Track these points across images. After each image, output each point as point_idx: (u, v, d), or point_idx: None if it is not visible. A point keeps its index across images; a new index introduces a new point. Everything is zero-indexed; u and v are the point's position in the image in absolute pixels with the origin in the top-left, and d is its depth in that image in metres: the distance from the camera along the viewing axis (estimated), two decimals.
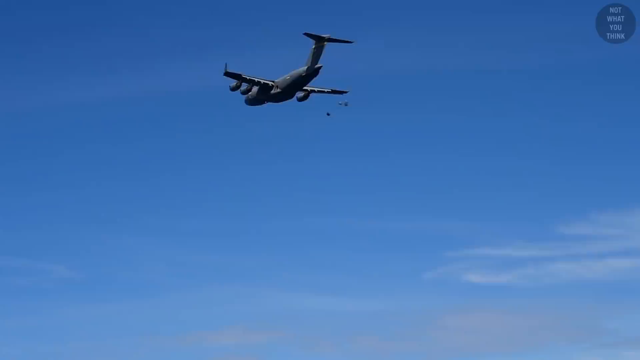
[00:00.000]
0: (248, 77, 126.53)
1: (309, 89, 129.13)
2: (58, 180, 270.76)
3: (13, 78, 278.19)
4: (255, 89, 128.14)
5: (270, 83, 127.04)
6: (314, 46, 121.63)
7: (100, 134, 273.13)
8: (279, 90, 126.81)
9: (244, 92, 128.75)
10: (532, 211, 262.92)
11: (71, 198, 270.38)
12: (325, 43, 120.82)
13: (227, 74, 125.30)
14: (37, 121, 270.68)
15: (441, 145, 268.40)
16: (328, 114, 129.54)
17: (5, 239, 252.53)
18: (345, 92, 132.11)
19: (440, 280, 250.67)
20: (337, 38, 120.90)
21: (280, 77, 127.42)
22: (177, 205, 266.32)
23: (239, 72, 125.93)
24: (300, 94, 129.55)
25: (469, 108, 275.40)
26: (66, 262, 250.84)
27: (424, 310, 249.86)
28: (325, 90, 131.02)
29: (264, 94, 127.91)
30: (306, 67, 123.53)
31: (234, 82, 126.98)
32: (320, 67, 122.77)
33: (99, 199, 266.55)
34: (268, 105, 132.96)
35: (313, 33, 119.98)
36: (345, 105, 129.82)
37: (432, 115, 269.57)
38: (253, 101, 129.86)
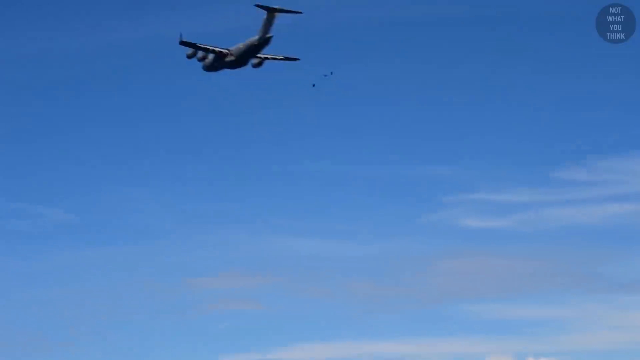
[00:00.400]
0: (202, 46, 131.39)
1: (262, 56, 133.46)
2: (57, 124, 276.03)
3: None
4: (211, 56, 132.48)
5: (224, 51, 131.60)
6: (265, 17, 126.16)
7: (94, 82, 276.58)
8: (233, 58, 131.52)
9: (200, 59, 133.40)
10: (530, 156, 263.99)
11: (68, 143, 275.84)
12: (276, 14, 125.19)
13: (182, 43, 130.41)
14: (37, 66, 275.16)
15: (439, 91, 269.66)
16: (314, 85, 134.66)
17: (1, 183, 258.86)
18: (297, 60, 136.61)
19: (437, 225, 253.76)
20: (286, 9, 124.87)
21: (234, 46, 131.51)
22: (173, 151, 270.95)
23: (193, 42, 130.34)
24: (254, 61, 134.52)
25: (466, 56, 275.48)
26: (63, 206, 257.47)
27: (420, 255, 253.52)
28: (278, 57, 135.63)
29: (219, 62, 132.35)
30: (258, 37, 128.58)
31: (189, 51, 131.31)
32: (270, 37, 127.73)
33: (97, 145, 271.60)
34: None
35: (263, 5, 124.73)
36: (330, 74, 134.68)
37: (430, 65, 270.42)
38: (210, 68, 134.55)
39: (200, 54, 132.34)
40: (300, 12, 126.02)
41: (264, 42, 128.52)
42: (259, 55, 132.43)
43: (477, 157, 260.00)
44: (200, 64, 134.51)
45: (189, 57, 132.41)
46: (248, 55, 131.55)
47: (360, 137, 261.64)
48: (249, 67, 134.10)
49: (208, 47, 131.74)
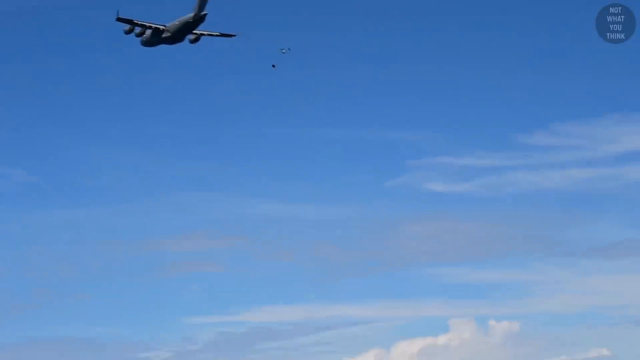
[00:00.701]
0: (140, 22, 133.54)
1: (198, 32, 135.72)
2: (18, 87, 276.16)
3: None
4: (148, 32, 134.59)
5: (161, 27, 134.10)
6: None
7: (55, 45, 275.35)
8: (169, 34, 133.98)
9: (138, 35, 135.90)
10: (494, 121, 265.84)
11: (34, 104, 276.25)
12: None
13: (119, 19, 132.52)
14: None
15: (403, 57, 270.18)
16: (274, 66, 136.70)
17: None
18: (234, 36, 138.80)
19: (401, 188, 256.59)
20: None
21: (170, 22, 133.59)
22: (138, 114, 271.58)
23: (130, 18, 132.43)
24: (191, 37, 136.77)
25: (431, 22, 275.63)
26: (26, 167, 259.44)
27: (384, 218, 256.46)
28: (214, 33, 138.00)
29: (157, 37, 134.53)
30: (193, 14, 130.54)
31: (127, 27, 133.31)
32: (205, 15, 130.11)
33: (60, 106, 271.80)
34: None
35: None
36: (288, 50, 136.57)
37: (394, 31, 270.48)
38: (147, 43, 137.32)
39: (137, 29, 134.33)
40: None
41: (198, 19, 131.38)
42: (195, 31, 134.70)
43: (441, 121, 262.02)
44: (139, 39, 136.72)
45: (127, 32, 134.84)
46: (184, 32, 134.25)
47: (324, 102, 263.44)
48: (186, 42, 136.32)
49: (145, 23, 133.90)
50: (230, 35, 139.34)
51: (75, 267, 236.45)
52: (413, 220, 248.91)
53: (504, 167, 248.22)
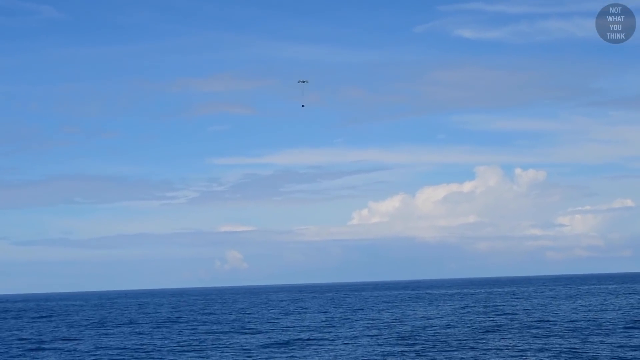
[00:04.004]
0: None
1: None
2: None
3: None
4: None
5: None
6: None
7: None
8: None
9: None
10: None
11: None
12: None
13: None
14: None
15: None
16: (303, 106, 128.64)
17: None
18: None
19: (431, 34, 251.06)
20: None
21: None
22: None
23: None
24: None
25: None
26: (55, 3, 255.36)
27: (413, 63, 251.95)
28: None
29: None
30: None
31: None
32: None
33: None
34: None
35: None
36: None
37: None
38: None
39: None
40: None
41: None
42: None
43: None
44: None
45: None
46: None
47: None
48: None
49: None
50: None
51: (103, 105, 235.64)
52: (441, 67, 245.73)
53: (536, 14, 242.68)
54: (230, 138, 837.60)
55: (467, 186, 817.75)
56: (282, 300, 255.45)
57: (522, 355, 68.55)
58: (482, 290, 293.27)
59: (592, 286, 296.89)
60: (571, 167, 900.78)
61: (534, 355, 68.22)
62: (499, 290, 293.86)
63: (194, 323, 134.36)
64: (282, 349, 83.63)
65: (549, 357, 67.19)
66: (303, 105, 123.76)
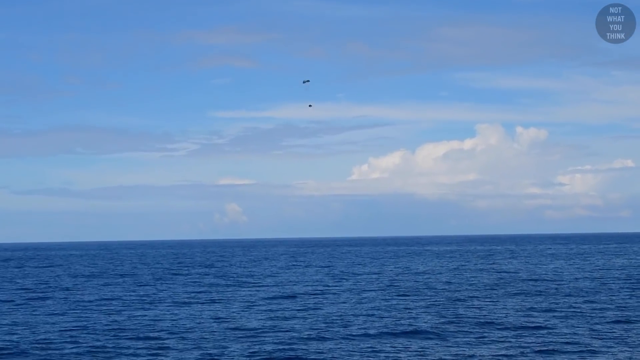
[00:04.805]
0: None
1: None
2: None
3: None
4: None
5: None
6: None
7: None
8: None
9: None
10: None
11: None
12: None
13: None
14: None
15: None
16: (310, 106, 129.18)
17: None
18: None
19: None
20: None
21: None
22: None
23: None
24: None
25: None
26: None
27: (417, 19, 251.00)
28: None
29: None
30: None
31: None
32: None
33: None
34: None
35: None
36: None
37: None
38: None
39: None
40: None
41: None
42: None
43: None
44: None
45: None
46: None
47: None
48: None
49: None
50: None
51: (106, 56, 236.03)
52: (446, 24, 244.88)
53: None
54: (232, 91, 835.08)
55: (468, 144, 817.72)
56: (282, 254, 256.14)
57: (529, 315, 68.54)
58: (482, 248, 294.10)
59: (593, 245, 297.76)
60: (573, 127, 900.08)
61: (541, 315, 68.17)
62: (498, 247, 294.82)
63: (197, 275, 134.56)
64: (287, 301, 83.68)
65: (556, 317, 67.16)
66: (310, 105, 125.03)
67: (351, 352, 49.39)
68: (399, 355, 48.42)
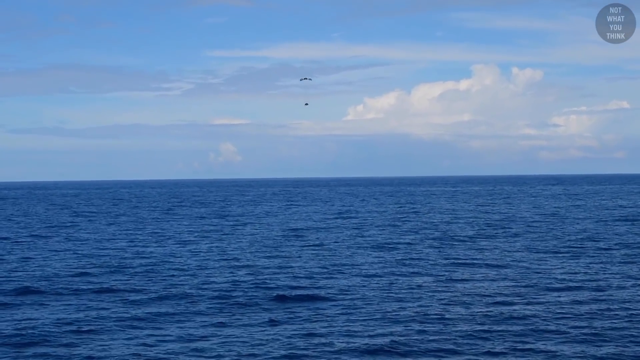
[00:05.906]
0: None
1: None
2: None
3: None
4: None
5: None
6: None
7: None
8: None
9: None
10: None
11: None
12: None
13: None
14: None
15: None
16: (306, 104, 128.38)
17: None
18: None
19: None
20: None
21: None
22: None
23: None
24: None
25: None
26: None
27: None
28: None
29: None
30: None
31: None
32: None
33: None
34: None
35: None
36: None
37: None
38: None
39: None
40: None
41: None
42: None
43: None
44: None
45: None
46: None
47: None
48: None
49: None
50: None
51: None
52: None
53: None
54: (227, 30, 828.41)
55: (463, 84, 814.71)
56: (278, 193, 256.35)
57: (541, 259, 68.63)
58: (478, 189, 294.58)
59: (591, 187, 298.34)
60: (568, 68, 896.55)
61: (554, 256, 68.20)
62: (493, 188, 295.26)
63: (197, 213, 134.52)
64: (293, 235, 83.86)
65: (564, 258, 67.24)
66: (306, 104, 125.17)
67: (364, 288, 49.17)
68: (412, 291, 48.25)
